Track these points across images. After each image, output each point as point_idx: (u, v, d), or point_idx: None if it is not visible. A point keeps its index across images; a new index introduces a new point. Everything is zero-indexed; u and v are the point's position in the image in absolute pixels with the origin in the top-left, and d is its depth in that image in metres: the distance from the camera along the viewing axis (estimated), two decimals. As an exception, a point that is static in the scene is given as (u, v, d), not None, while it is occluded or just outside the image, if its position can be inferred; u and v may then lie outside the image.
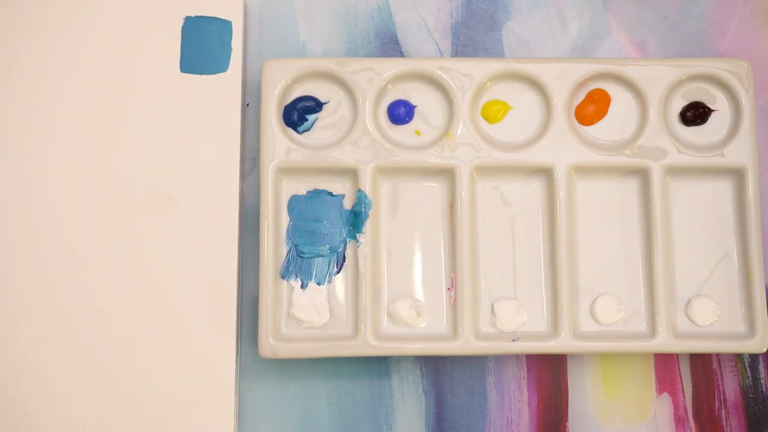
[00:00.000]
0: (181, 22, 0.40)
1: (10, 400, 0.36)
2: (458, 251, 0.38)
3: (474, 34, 0.42)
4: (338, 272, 0.38)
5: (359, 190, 0.38)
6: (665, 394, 0.39)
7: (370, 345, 0.37)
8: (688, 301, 0.39)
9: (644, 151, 0.39)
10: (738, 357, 0.40)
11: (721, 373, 0.39)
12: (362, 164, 0.38)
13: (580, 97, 0.40)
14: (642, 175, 0.39)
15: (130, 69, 0.39)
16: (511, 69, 0.39)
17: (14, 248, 0.37)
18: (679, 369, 0.39)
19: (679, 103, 0.40)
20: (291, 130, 0.39)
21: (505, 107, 0.40)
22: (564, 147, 0.38)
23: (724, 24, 0.42)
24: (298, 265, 0.38)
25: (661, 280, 0.38)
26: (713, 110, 0.40)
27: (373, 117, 0.39)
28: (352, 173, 0.39)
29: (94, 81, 0.39)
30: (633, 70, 0.39)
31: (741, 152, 0.39)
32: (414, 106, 0.39)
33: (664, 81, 0.39)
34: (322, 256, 0.38)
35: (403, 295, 0.38)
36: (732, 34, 0.42)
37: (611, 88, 0.40)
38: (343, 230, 0.38)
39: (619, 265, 0.39)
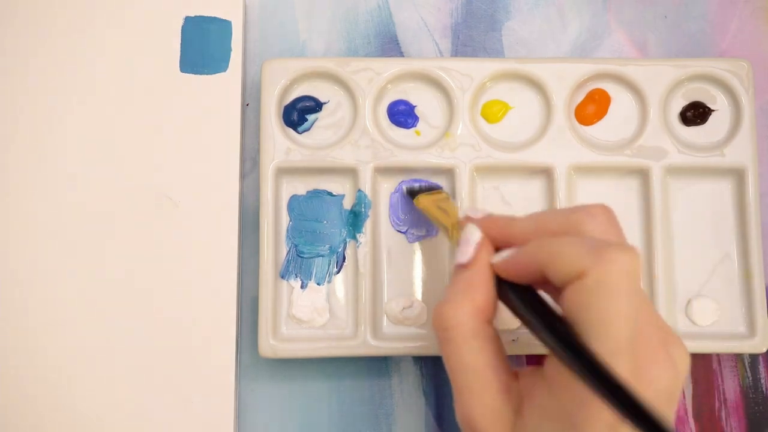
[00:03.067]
0: (181, 22, 0.40)
1: (11, 399, 0.36)
2: (458, 251, 0.38)
3: (474, 34, 0.42)
4: (338, 272, 0.38)
5: (359, 190, 0.38)
6: (665, 394, 0.39)
7: (370, 345, 0.37)
8: (688, 301, 0.38)
9: (644, 151, 0.39)
10: (738, 357, 0.40)
11: (721, 373, 0.39)
12: (362, 164, 0.38)
13: (580, 97, 0.40)
14: (642, 175, 0.39)
15: (130, 69, 0.39)
16: (511, 69, 0.39)
17: (13, 248, 0.37)
18: (679, 369, 0.39)
19: (679, 103, 0.40)
20: (291, 130, 0.39)
21: (505, 107, 0.40)
22: (564, 147, 0.38)
23: (724, 24, 0.42)
24: (298, 265, 0.38)
25: (661, 280, 0.38)
26: (713, 110, 0.40)
27: (373, 117, 0.39)
28: (351, 173, 0.38)
29: (94, 81, 0.39)
30: (633, 70, 0.39)
31: (741, 152, 0.39)
32: (414, 107, 0.39)
33: (664, 81, 0.39)
34: (322, 256, 0.38)
35: (402, 295, 0.38)
36: (732, 34, 0.42)
37: (611, 88, 0.40)
38: (342, 230, 0.38)
39: (619, 265, 0.39)
